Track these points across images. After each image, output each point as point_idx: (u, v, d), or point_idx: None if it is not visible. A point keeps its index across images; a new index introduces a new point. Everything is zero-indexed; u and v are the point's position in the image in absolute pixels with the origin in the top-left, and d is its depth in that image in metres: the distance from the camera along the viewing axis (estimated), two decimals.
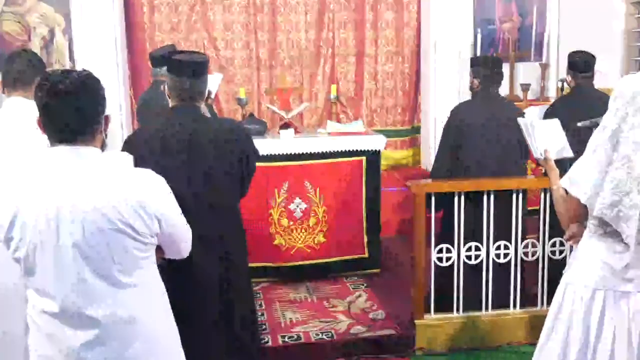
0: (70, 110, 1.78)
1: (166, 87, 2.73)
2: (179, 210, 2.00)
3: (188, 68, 2.65)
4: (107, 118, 1.91)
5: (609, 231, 2.10)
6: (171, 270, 2.25)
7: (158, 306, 1.97)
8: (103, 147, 1.90)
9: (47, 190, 1.77)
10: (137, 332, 1.87)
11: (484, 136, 3.79)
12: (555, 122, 2.92)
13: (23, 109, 2.84)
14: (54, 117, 1.80)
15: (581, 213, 2.20)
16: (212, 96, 4.01)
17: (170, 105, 2.73)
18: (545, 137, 2.81)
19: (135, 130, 3.56)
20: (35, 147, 2.62)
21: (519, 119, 2.91)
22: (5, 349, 2.77)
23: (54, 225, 1.75)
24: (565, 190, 2.24)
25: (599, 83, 4.12)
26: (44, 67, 3.01)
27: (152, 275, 1.96)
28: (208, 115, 2.85)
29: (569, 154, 2.84)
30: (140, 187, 1.85)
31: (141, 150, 2.53)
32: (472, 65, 4.02)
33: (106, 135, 1.93)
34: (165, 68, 2.85)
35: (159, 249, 2.00)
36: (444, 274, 3.69)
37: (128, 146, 2.63)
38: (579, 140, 2.85)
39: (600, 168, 2.04)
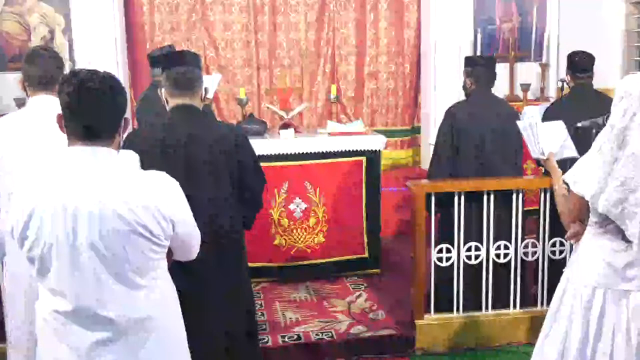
0: (96, 110, 1.78)
1: (162, 90, 2.72)
2: (191, 213, 2.01)
3: (175, 57, 2.71)
4: (126, 121, 1.90)
5: (610, 229, 2.11)
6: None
7: (170, 308, 1.98)
8: (118, 149, 1.89)
9: (65, 190, 1.76)
10: (150, 333, 1.87)
11: (479, 136, 3.77)
12: (559, 124, 2.93)
13: (52, 107, 2.78)
14: (79, 115, 1.78)
15: (583, 212, 2.21)
16: (210, 95, 3.99)
17: (168, 108, 2.72)
18: (548, 137, 2.82)
19: (134, 130, 3.55)
20: (59, 146, 2.60)
21: (518, 122, 2.93)
22: None
23: (70, 225, 1.75)
24: (568, 189, 2.24)
25: (598, 83, 4.12)
26: (64, 64, 2.96)
27: (165, 277, 1.96)
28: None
29: (572, 153, 2.84)
30: (156, 189, 1.85)
31: (140, 152, 2.52)
32: (465, 65, 4.00)
33: (122, 138, 1.93)
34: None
35: (168, 252, 2.00)
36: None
37: (127, 146, 2.62)
38: (579, 140, 2.86)
39: (606, 166, 2.04)
